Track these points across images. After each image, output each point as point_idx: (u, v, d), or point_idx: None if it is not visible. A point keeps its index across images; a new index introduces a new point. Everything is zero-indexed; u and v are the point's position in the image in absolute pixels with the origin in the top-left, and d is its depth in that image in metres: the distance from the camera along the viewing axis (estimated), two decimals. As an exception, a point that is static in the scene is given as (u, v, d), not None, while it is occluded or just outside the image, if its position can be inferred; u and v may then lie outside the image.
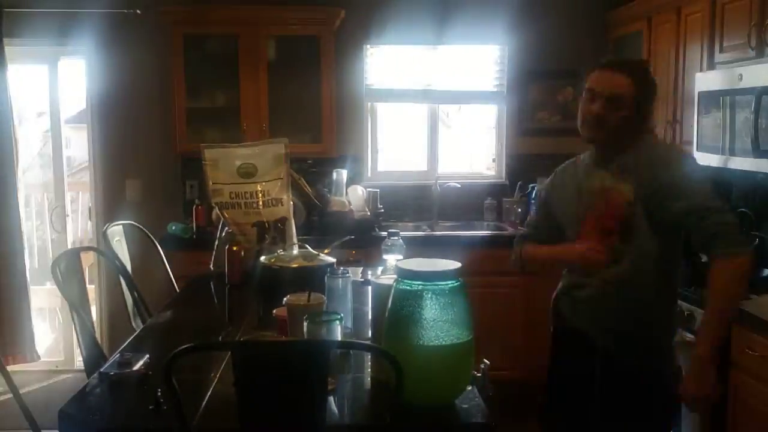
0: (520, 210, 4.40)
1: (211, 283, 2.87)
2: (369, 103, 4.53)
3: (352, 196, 4.23)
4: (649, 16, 3.72)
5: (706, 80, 3.12)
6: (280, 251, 2.41)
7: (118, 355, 1.87)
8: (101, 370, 1.80)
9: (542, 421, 2.37)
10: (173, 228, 4.04)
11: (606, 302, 2.04)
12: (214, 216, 3.62)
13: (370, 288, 2.08)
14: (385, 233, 2.24)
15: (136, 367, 1.77)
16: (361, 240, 3.41)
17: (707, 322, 1.95)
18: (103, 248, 3.21)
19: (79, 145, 5.52)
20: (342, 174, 4.25)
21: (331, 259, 2.27)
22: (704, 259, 2.07)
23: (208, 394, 1.66)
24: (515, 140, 4.57)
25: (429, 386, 1.55)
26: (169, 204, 4.38)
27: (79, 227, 5.62)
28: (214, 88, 4.24)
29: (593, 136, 2.05)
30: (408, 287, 1.56)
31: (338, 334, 1.62)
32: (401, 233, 2.25)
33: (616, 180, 2.02)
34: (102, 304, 4.42)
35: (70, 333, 4.35)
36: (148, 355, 1.84)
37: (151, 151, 4.38)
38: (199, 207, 4.09)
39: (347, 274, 2.09)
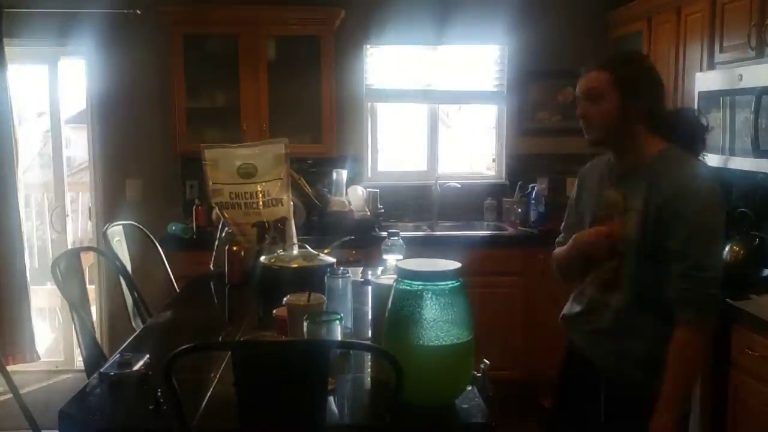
0: (520, 210, 4.40)
1: (211, 283, 2.87)
2: (369, 103, 4.53)
3: (352, 196, 4.23)
4: (649, 16, 3.73)
5: (706, 80, 3.12)
6: (280, 251, 2.41)
7: (118, 355, 1.87)
8: (101, 370, 1.80)
9: (544, 424, 2.35)
10: (173, 228, 4.04)
11: (608, 327, 1.94)
12: (214, 216, 3.62)
13: (370, 288, 2.07)
14: (385, 233, 2.24)
15: (136, 367, 1.77)
16: (361, 240, 3.41)
17: (670, 394, 1.76)
18: (103, 248, 3.21)
19: (79, 145, 5.53)
20: (342, 174, 4.25)
21: (331, 259, 2.27)
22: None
23: (208, 394, 1.66)
24: (515, 140, 4.57)
25: (429, 386, 1.55)
26: (169, 204, 4.38)
27: (79, 227, 5.63)
28: (214, 88, 4.24)
29: (590, 138, 1.95)
30: (408, 287, 1.56)
31: (338, 334, 1.62)
32: (401, 233, 2.25)
33: (624, 206, 1.89)
34: (102, 304, 4.42)
35: (70, 333, 4.35)
36: (148, 355, 1.84)
37: (151, 151, 4.38)
38: (199, 207, 4.09)
39: (347, 274, 2.09)
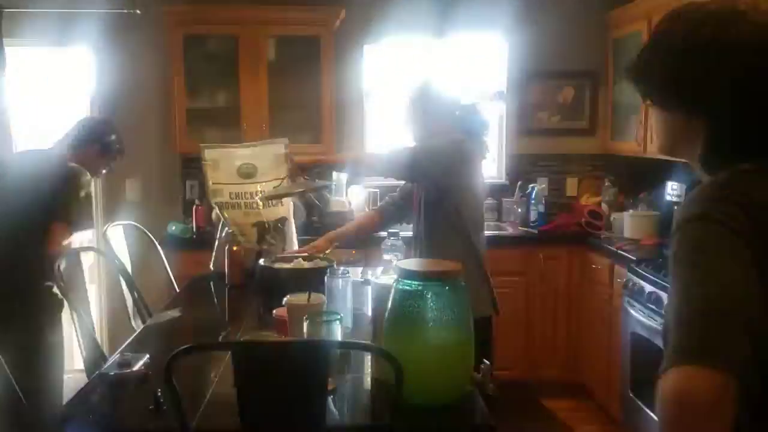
0: (520, 210, 4.40)
1: (211, 283, 2.87)
2: (369, 103, 4.53)
3: (352, 196, 4.23)
4: (649, 16, 3.72)
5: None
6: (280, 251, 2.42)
7: (118, 356, 1.87)
8: (101, 370, 1.80)
9: None
10: (173, 228, 4.04)
11: None
12: (214, 216, 3.62)
13: (370, 288, 2.08)
14: (385, 233, 2.25)
15: (136, 368, 1.77)
16: (362, 240, 3.41)
17: None
18: (103, 248, 3.22)
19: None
20: (342, 174, 4.24)
21: (331, 259, 2.27)
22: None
23: (208, 394, 1.66)
24: (515, 140, 4.57)
25: (429, 386, 1.54)
26: (169, 204, 4.38)
27: (79, 227, 5.62)
28: (214, 88, 4.24)
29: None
30: (408, 287, 1.56)
31: (338, 334, 1.62)
32: (401, 233, 2.25)
33: None
34: (102, 304, 4.42)
35: (70, 333, 4.34)
36: (148, 355, 1.84)
37: (151, 151, 4.38)
38: (199, 207, 4.09)
39: (347, 274, 2.09)
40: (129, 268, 3.03)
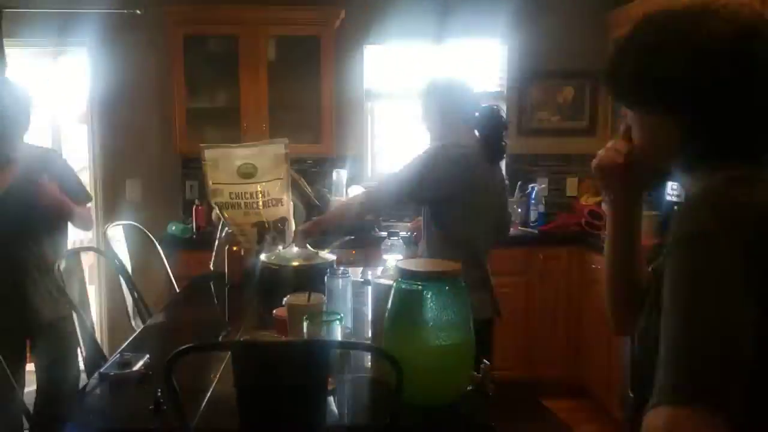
0: (520, 210, 4.40)
1: (211, 283, 2.87)
2: (369, 103, 4.53)
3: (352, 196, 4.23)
4: (649, 16, 3.72)
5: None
6: (280, 247, 2.42)
7: (118, 355, 1.87)
8: (101, 370, 1.79)
9: None
10: (173, 228, 4.04)
11: None
12: (214, 216, 3.61)
13: (370, 288, 2.07)
14: (385, 233, 2.25)
15: (136, 367, 1.77)
16: (361, 240, 3.41)
17: None
18: (103, 248, 3.22)
19: (79, 145, 5.51)
20: (342, 174, 4.25)
21: (332, 259, 2.27)
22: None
23: (208, 394, 1.65)
24: (515, 140, 4.56)
25: (429, 386, 1.54)
26: (169, 204, 4.39)
27: (79, 227, 5.61)
28: (214, 88, 4.24)
29: None
30: (408, 287, 1.56)
31: (338, 334, 1.62)
32: (401, 233, 2.25)
33: None
34: (102, 304, 4.42)
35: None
36: (148, 355, 1.84)
37: (151, 151, 4.38)
38: (199, 207, 4.09)
39: (347, 274, 2.09)
40: (129, 268, 3.03)
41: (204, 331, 2.32)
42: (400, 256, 2.10)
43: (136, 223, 3.26)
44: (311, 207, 4.02)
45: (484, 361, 1.70)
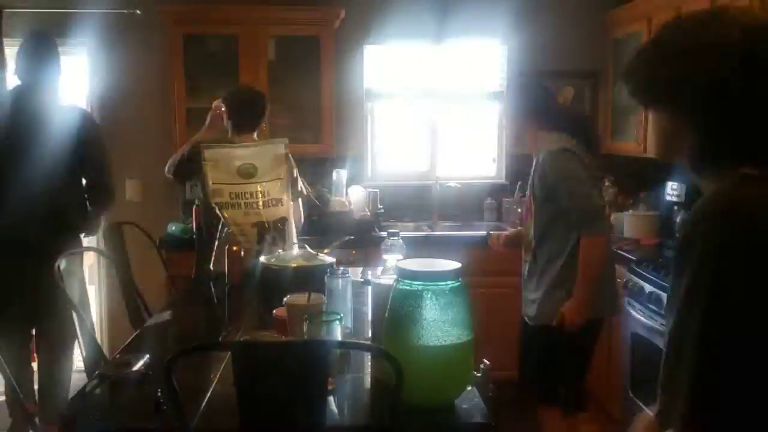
0: (520, 210, 4.39)
1: (211, 283, 2.87)
2: (369, 103, 4.53)
3: (352, 196, 4.23)
4: (649, 16, 3.72)
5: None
6: (280, 251, 2.41)
7: (118, 356, 1.87)
8: (101, 370, 1.79)
9: None
10: (173, 228, 4.04)
11: None
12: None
13: (370, 288, 2.07)
14: (385, 233, 2.24)
15: (136, 368, 1.77)
16: (361, 240, 3.41)
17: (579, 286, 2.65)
18: (103, 248, 3.22)
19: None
20: (342, 174, 4.25)
21: (331, 259, 2.27)
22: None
23: (208, 394, 1.66)
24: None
25: (429, 386, 1.55)
26: (169, 204, 4.38)
27: (79, 227, 5.61)
28: (214, 88, 4.23)
29: None
30: (408, 287, 1.56)
31: (338, 334, 1.62)
32: (401, 233, 2.25)
33: None
34: (102, 304, 4.42)
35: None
36: (148, 355, 1.84)
37: (151, 151, 4.37)
38: (199, 207, 4.08)
39: (347, 274, 2.09)
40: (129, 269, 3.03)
41: (204, 331, 2.32)
42: (400, 256, 2.09)
43: (135, 224, 3.25)
44: (311, 207, 4.02)
45: (484, 361, 1.70)
